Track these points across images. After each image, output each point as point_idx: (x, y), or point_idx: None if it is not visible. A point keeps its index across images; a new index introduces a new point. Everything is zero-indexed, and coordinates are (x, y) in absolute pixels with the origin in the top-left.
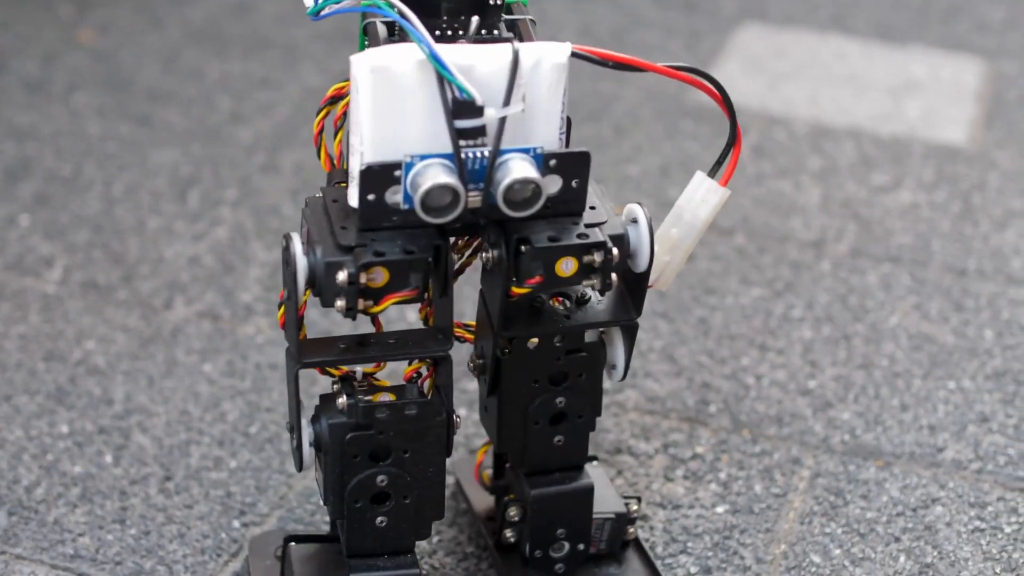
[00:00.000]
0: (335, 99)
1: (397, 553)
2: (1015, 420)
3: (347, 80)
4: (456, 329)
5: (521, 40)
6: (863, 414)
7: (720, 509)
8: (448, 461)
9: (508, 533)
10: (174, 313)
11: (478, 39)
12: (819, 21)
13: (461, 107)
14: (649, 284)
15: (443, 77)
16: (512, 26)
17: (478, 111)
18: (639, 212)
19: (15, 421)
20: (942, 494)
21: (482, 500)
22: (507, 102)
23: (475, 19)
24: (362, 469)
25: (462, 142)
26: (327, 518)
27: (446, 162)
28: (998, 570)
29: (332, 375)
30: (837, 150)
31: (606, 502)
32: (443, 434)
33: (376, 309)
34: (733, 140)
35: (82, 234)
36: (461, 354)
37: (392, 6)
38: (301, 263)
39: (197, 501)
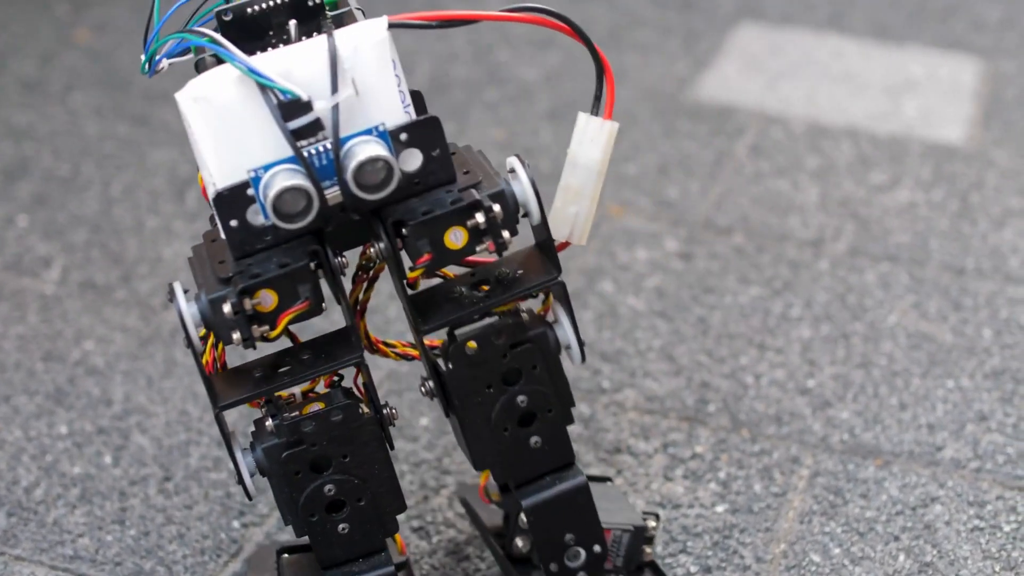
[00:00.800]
0: None
1: (370, 554)
2: (1014, 419)
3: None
4: (400, 346)
5: None
6: (862, 413)
7: (720, 508)
8: (453, 485)
9: (519, 542)
10: (173, 313)
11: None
12: (816, 20)
13: (289, 108)
14: (565, 240)
15: (263, 85)
16: (340, 21)
17: (306, 107)
18: (515, 163)
19: (14, 422)
20: (941, 493)
21: (492, 517)
22: (334, 89)
23: (293, 23)
24: (308, 483)
25: (302, 142)
26: None
27: (292, 166)
28: (997, 568)
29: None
30: (835, 149)
31: (623, 514)
32: (376, 430)
33: (274, 333)
34: (601, 70)
35: (80, 234)
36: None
37: (201, 35)
38: (188, 311)
39: (197, 501)
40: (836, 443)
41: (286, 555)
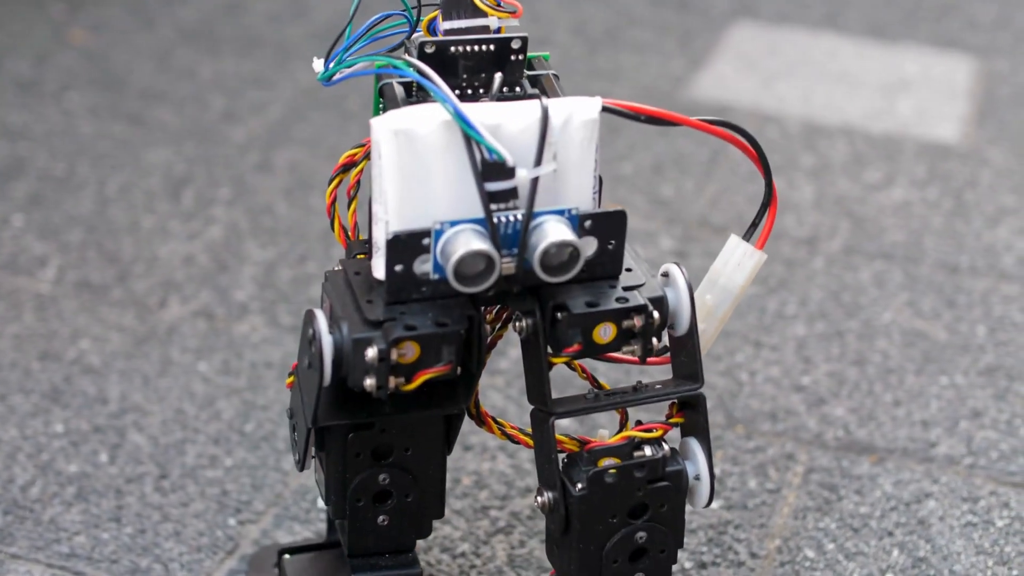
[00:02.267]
0: (347, 167)
1: (398, 552)
2: (1007, 415)
3: (359, 147)
4: (508, 427)
5: (546, 96)
6: (856, 410)
7: (714, 505)
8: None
9: None
10: (169, 312)
11: (501, 97)
12: (811, 19)
13: (491, 169)
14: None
15: (470, 137)
16: (535, 81)
17: (509, 172)
18: (675, 272)
19: (10, 420)
20: (935, 489)
21: None
22: (538, 162)
23: (498, 76)
24: (364, 468)
25: (493, 206)
26: (323, 517)
27: (477, 227)
28: (990, 563)
29: None
30: (830, 148)
31: None
32: (443, 430)
33: (409, 387)
34: (768, 200)
35: (76, 234)
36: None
37: (410, 65)
38: (326, 341)
39: (193, 499)
40: (831, 440)
41: (287, 555)
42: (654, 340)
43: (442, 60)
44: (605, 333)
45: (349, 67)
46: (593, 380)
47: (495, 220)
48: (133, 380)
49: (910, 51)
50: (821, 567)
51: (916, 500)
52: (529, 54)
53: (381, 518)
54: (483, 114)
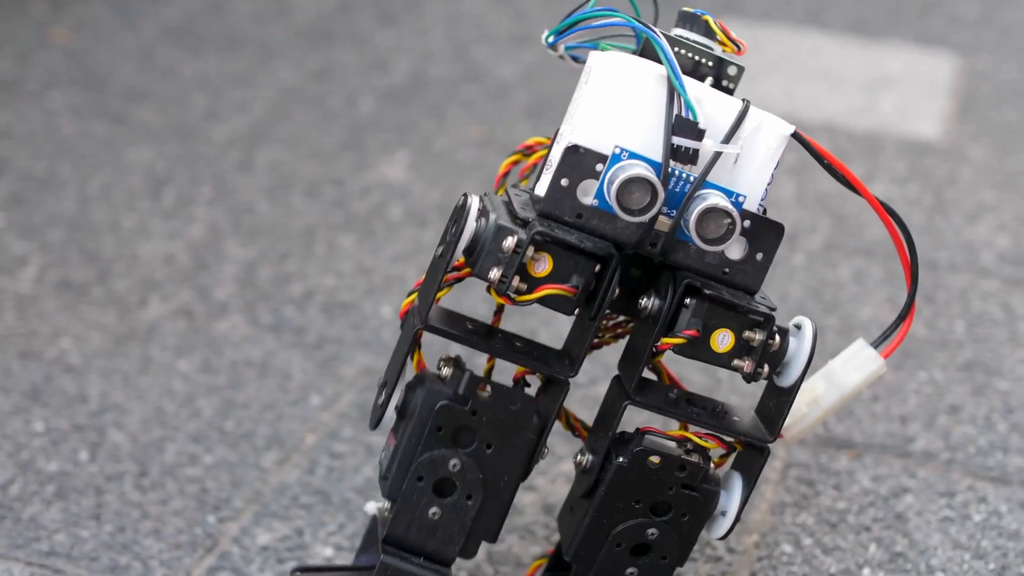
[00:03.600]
0: (529, 150)
1: (434, 560)
2: (985, 411)
3: (547, 137)
4: (572, 420)
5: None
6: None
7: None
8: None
9: None
10: (149, 311)
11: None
12: (795, 16)
13: (683, 124)
14: (779, 433)
15: (675, 91)
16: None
17: (698, 133)
18: (806, 324)
19: None
20: (912, 484)
21: None
22: (727, 139)
23: (708, 80)
24: (440, 445)
25: (673, 161)
26: (302, 513)
27: (651, 168)
28: (967, 557)
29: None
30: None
31: None
32: (531, 446)
33: (527, 297)
34: (906, 313)
35: (57, 233)
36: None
37: (650, 30)
38: (471, 226)
39: (172, 497)
40: (809, 435)
41: (298, 573)
42: (765, 367)
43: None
44: (723, 341)
45: (580, 24)
46: (677, 383)
47: (669, 170)
48: (113, 379)
49: (893, 48)
50: (799, 562)
51: (894, 495)
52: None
53: (433, 510)
54: (693, 85)
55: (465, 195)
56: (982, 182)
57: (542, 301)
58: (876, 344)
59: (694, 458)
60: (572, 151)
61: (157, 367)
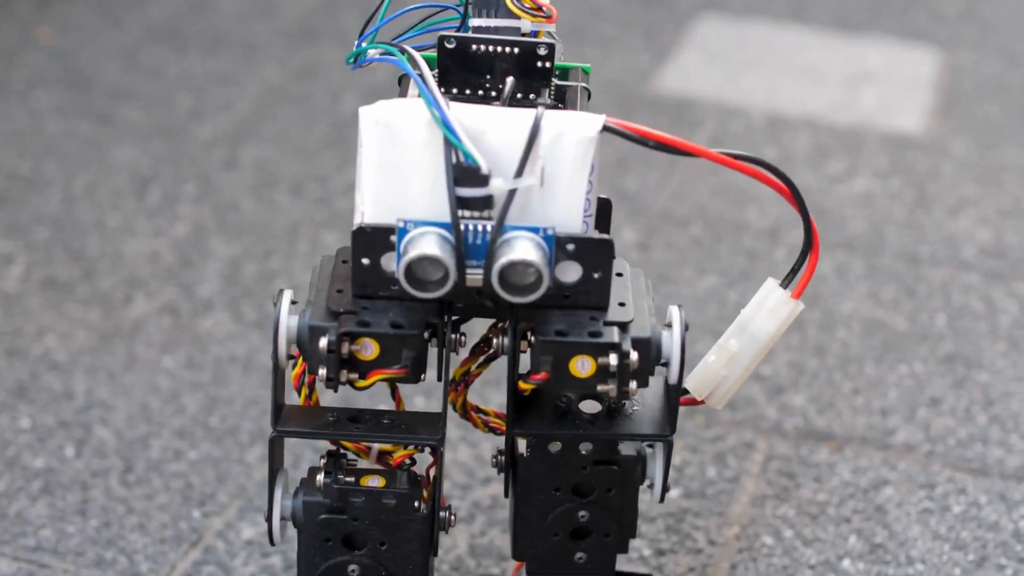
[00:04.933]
0: None
1: None
2: (965, 403)
3: None
4: (491, 419)
5: (562, 108)
6: (816, 399)
7: (673, 493)
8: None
9: None
10: (134, 308)
11: (515, 103)
12: (777, 12)
13: (465, 174)
14: (700, 400)
15: (449, 141)
16: (561, 93)
17: (483, 180)
18: (674, 315)
19: None
20: (892, 476)
21: None
22: (519, 173)
23: (509, 80)
24: (335, 554)
25: (466, 213)
26: None
27: (444, 232)
28: (946, 548)
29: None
30: (793, 140)
31: None
32: (425, 532)
33: (362, 384)
34: (809, 246)
35: (42, 231)
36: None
37: (410, 62)
38: (285, 322)
39: (157, 492)
40: (790, 428)
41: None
42: (632, 385)
43: (464, 57)
44: (583, 367)
45: (367, 56)
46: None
47: (462, 227)
48: (98, 375)
49: (875, 43)
50: (779, 553)
51: (874, 487)
52: (567, 63)
53: None
54: (472, 117)
55: (280, 292)
56: (964, 176)
57: (381, 381)
58: (786, 284)
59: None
60: (359, 233)
61: (142, 364)
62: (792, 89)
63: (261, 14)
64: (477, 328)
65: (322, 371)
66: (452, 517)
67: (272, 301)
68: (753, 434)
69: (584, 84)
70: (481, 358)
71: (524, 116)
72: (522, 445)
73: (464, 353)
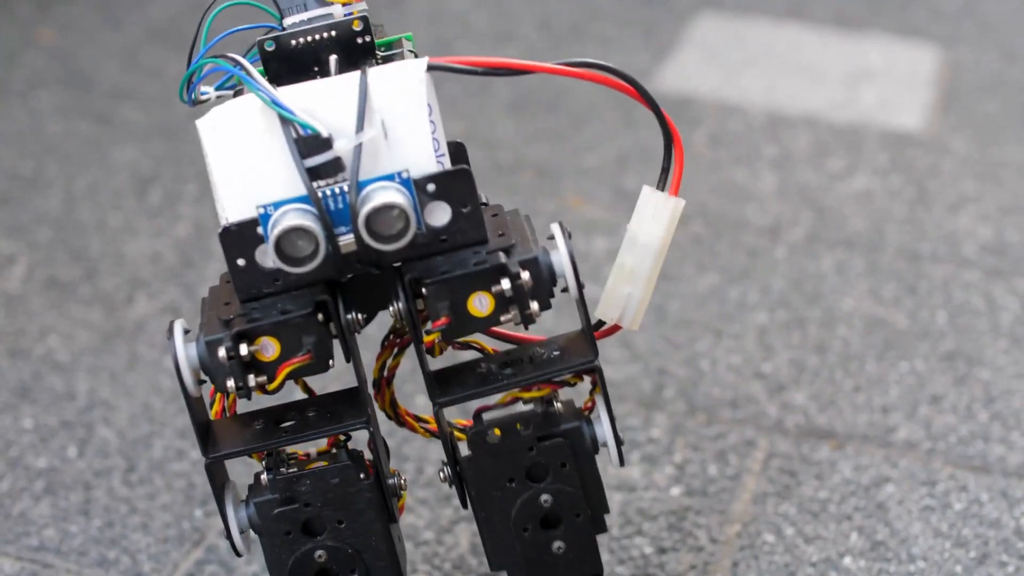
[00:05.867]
0: None
1: None
2: (966, 400)
3: None
4: (432, 422)
5: None
6: (817, 396)
7: (675, 491)
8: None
9: None
10: (136, 308)
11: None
12: (776, 10)
13: (308, 144)
14: (615, 323)
15: (284, 118)
16: (389, 61)
17: (326, 144)
18: (556, 230)
19: None
20: (894, 473)
21: None
22: (359, 128)
23: (333, 58)
24: (298, 546)
25: (320, 182)
26: None
27: (304, 206)
28: (948, 546)
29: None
30: (793, 138)
31: None
32: (376, 498)
33: (273, 385)
34: (669, 140)
35: (44, 232)
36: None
37: (230, 61)
38: (181, 352)
39: (160, 492)
40: (791, 426)
41: None
42: (534, 305)
43: (288, 56)
44: (481, 304)
45: (198, 81)
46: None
47: (319, 194)
48: (101, 376)
49: (874, 40)
50: (780, 551)
51: (875, 484)
52: (390, 37)
53: None
54: (301, 94)
55: (170, 324)
56: (964, 173)
57: (292, 377)
58: (661, 186)
59: (529, 408)
60: (224, 234)
61: (144, 364)
62: (792, 87)
63: (259, 14)
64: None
65: (230, 383)
66: (403, 480)
67: (166, 335)
68: (754, 432)
69: (410, 49)
70: (395, 350)
71: (351, 78)
72: (463, 448)
73: (372, 350)
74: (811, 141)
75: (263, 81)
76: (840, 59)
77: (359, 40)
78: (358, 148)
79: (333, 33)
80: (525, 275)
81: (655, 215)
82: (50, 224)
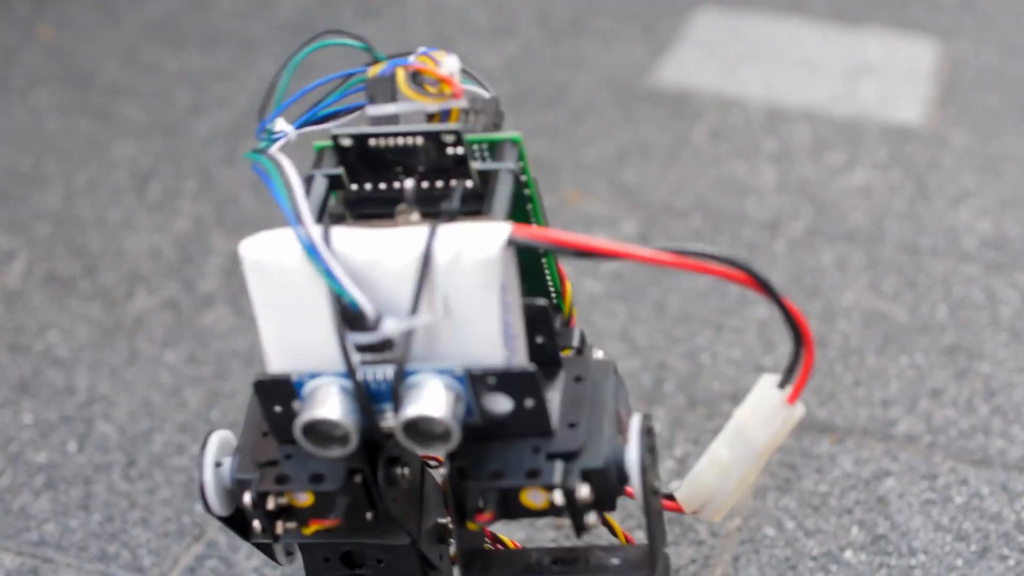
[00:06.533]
0: None
1: None
2: (967, 394)
3: None
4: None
5: (480, 206)
6: (817, 390)
7: (675, 485)
8: None
9: None
10: (135, 304)
11: (423, 201)
12: (775, 4)
13: (354, 318)
14: (693, 511)
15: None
16: (485, 181)
17: (372, 323)
18: (633, 428)
19: None
20: (894, 467)
21: None
22: (414, 309)
23: (408, 184)
24: (333, 572)
25: (368, 357)
26: None
27: (345, 383)
28: (948, 539)
29: None
30: (792, 132)
31: None
32: (415, 551)
33: (306, 532)
34: (799, 341)
35: (43, 228)
36: None
37: (273, 164)
38: (210, 475)
39: (160, 486)
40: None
41: None
42: (590, 518)
43: (366, 153)
44: (536, 498)
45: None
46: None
47: (360, 376)
48: (100, 371)
49: (873, 34)
50: (781, 544)
51: (875, 478)
52: (495, 136)
53: None
54: (358, 245)
55: (210, 432)
56: (964, 167)
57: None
58: (783, 384)
59: None
60: (259, 387)
61: (144, 359)
62: (791, 81)
63: (258, 10)
64: None
65: (256, 523)
66: (450, 523)
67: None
68: None
69: (511, 165)
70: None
71: (417, 238)
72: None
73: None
74: (811, 135)
75: (306, 213)
76: (839, 53)
77: (449, 151)
78: (408, 336)
79: (419, 140)
80: (584, 491)
81: (767, 418)
82: (49, 220)
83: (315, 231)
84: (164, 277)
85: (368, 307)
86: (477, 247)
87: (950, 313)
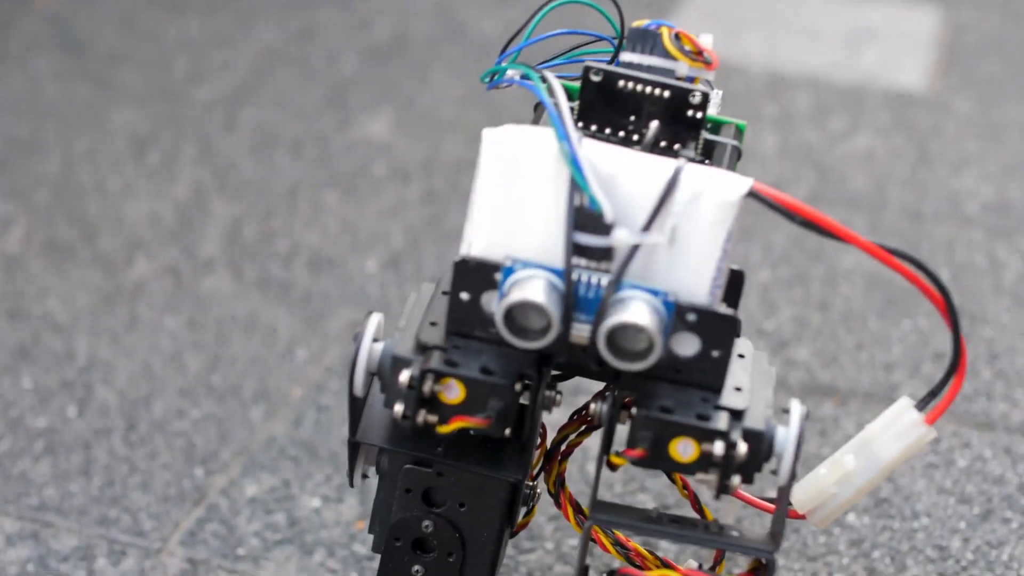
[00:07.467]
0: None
1: None
2: (970, 358)
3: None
4: (571, 512)
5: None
6: (819, 353)
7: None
8: None
9: None
10: (135, 270)
11: (656, 151)
12: None
13: (586, 218)
14: (804, 514)
15: (574, 180)
16: (709, 148)
17: (605, 229)
18: (795, 409)
19: None
20: None
21: None
22: (646, 228)
23: (654, 124)
24: (413, 507)
25: (582, 262)
26: (289, 465)
27: (554, 279)
28: (951, 502)
29: None
30: (794, 98)
31: None
32: (506, 498)
33: (441, 429)
34: (955, 367)
35: (43, 195)
36: None
37: (547, 90)
38: (367, 347)
39: (160, 451)
40: (794, 383)
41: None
42: (735, 479)
43: (610, 93)
44: (685, 450)
45: (505, 78)
46: (695, 499)
47: (575, 277)
48: (100, 336)
49: (875, 1)
50: None
51: None
52: (721, 117)
53: (416, 568)
54: (605, 158)
55: (369, 313)
56: (966, 133)
57: (462, 430)
58: (922, 407)
59: None
60: (461, 266)
61: (144, 325)
62: (793, 47)
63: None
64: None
65: (398, 407)
66: (539, 492)
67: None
68: None
69: (736, 143)
70: (582, 427)
71: (663, 166)
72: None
73: (561, 417)
74: (812, 101)
75: (571, 127)
76: (842, 19)
77: (689, 112)
78: (634, 248)
79: (667, 93)
80: (742, 448)
81: (900, 435)
82: (49, 187)
83: (575, 134)
84: (164, 243)
85: (608, 210)
86: (721, 188)
87: (953, 278)
